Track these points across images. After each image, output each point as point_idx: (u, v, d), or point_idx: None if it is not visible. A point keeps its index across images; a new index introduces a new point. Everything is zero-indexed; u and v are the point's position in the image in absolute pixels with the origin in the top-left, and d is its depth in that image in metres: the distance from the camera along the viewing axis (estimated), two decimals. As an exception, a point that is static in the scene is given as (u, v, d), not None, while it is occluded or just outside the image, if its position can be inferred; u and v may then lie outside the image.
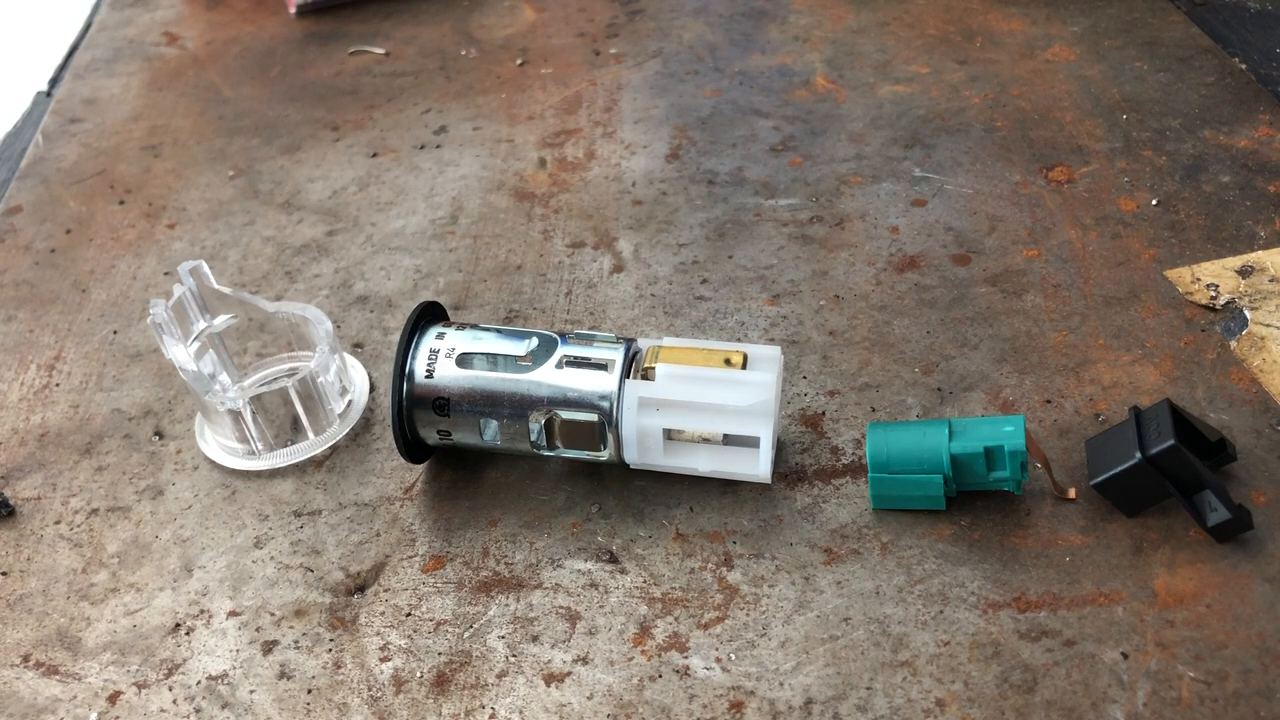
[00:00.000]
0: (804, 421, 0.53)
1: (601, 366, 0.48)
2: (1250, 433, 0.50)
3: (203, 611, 0.48)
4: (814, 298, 0.59)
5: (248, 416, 0.52)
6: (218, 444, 0.54)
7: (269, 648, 0.46)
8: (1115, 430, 0.48)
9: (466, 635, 0.46)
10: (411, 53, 0.85)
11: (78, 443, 0.56)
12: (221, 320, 0.57)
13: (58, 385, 0.59)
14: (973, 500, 0.48)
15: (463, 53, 0.85)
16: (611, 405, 0.48)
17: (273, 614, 0.47)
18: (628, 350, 0.49)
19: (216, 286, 0.56)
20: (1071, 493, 0.48)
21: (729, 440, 0.49)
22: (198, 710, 0.44)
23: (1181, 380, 0.52)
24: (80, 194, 0.74)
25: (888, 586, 0.46)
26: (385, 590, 0.48)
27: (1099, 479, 0.46)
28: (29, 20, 1.33)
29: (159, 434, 0.56)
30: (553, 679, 0.44)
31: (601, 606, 0.46)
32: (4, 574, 0.50)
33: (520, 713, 0.43)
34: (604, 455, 0.49)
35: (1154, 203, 0.63)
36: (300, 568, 0.49)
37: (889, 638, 0.44)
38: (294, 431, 0.54)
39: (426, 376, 0.49)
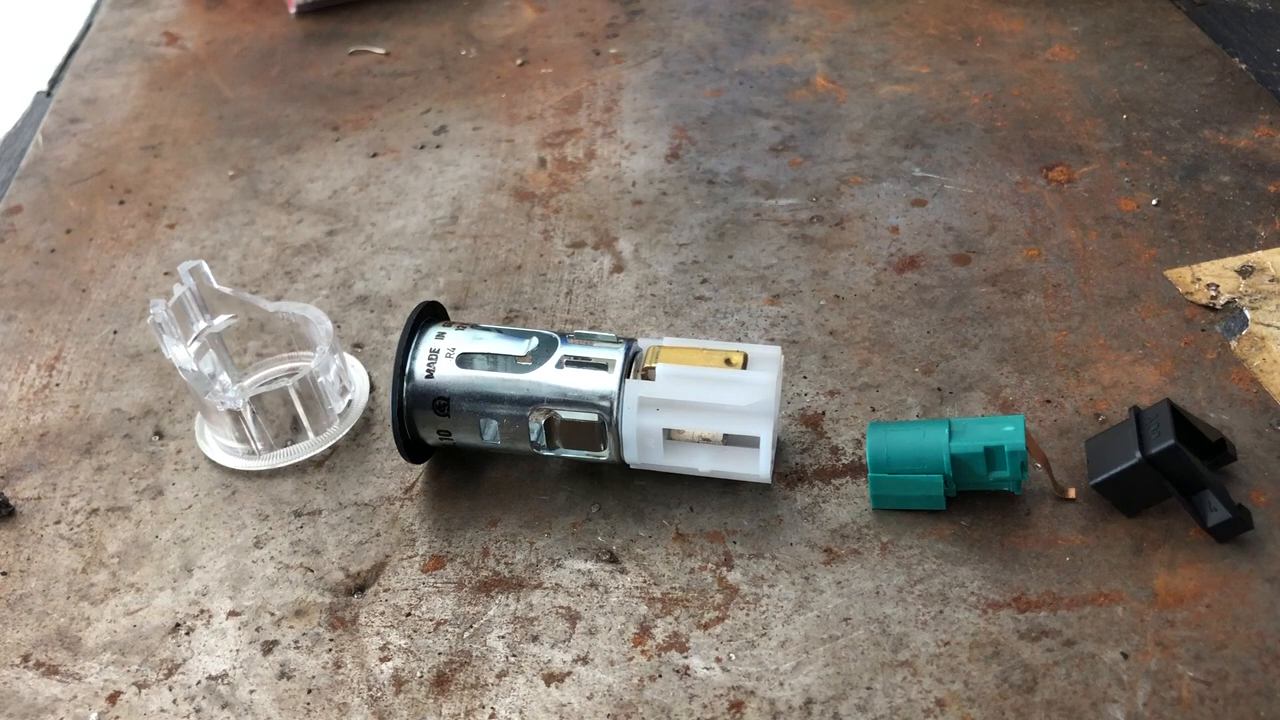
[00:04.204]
0: (804, 421, 0.53)
1: (601, 366, 0.48)
2: (1250, 433, 0.50)
3: (203, 611, 0.48)
4: (814, 298, 0.59)
5: (248, 416, 0.52)
6: (218, 444, 0.54)
7: (269, 648, 0.46)
8: (1115, 430, 0.48)
9: (466, 635, 0.46)
10: (411, 53, 0.85)
11: (78, 443, 0.56)
12: (221, 320, 0.57)
13: (58, 385, 0.59)
14: (973, 500, 0.48)
15: (463, 53, 0.85)
16: (611, 405, 0.48)
17: (273, 614, 0.47)
18: (628, 350, 0.49)
19: (216, 286, 0.56)
20: (1071, 493, 0.48)
21: (729, 440, 0.49)
22: (198, 710, 0.44)
23: (1181, 380, 0.52)
24: (80, 194, 0.74)
25: (888, 586, 0.46)
26: (385, 590, 0.48)
27: (1099, 479, 0.46)
28: (29, 20, 1.33)
29: (159, 434, 0.56)
30: (553, 679, 0.44)
31: (601, 606, 0.46)
32: (4, 574, 0.50)
33: (520, 713, 0.43)
34: (604, 455, 0.49)
35: (1154, 203, 0.63)
36: (300, 568, 0.49)
37: (889, 638, 0.44)
38: (294, 431, 0.54)
39: (426, 376, 0.49)
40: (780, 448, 0.52)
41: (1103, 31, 0.78)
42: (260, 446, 0.53)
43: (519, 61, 0.83)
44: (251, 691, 0.45)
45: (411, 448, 0.51)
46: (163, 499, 0.53)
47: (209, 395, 0.52)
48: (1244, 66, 0.73)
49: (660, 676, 0.44)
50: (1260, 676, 0.41)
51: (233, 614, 0.48)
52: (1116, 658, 0.42)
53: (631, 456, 0.49)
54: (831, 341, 0.57)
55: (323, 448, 0.54)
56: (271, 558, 0.50)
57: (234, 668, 0.46)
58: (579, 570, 0.48)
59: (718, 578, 0.47)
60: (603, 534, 0.49)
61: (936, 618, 0.44)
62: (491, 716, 0.43)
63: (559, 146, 0.73)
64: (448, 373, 0.49)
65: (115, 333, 0.63)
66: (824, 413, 0.53)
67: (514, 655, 0.45)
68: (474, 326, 0.51)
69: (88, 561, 0.50)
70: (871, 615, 0.45)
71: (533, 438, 0.49)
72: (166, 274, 0.66)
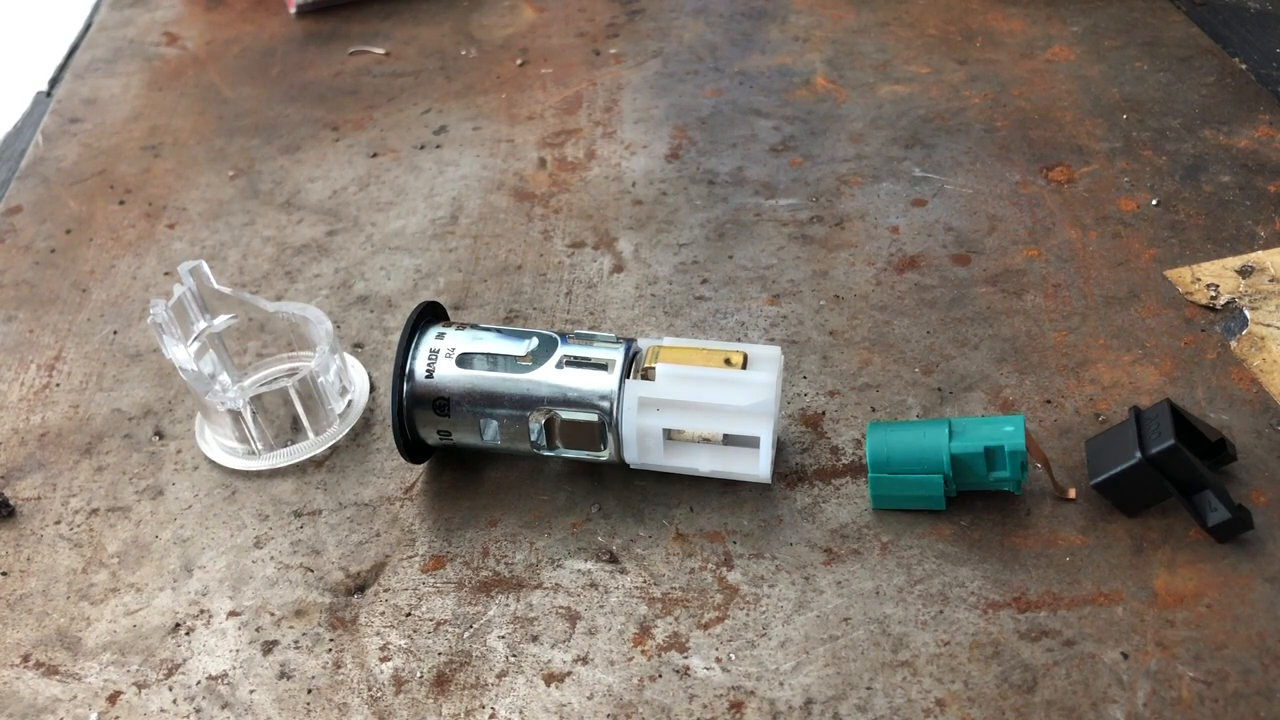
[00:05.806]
0: (804, 421, 0.53)
1: (601, 366, 0.48)
2: (1250, 433, 0.50)
3: (203, 611, 0.48)
4: (814, 298, 0.59)
5: (248, 416, 0.52)
6: (218, 444, 0.54)
7: (269, 648, 0.46)
8: (1115, 430, 0.48)
9: (466, 635, 0.46)
10: (411, 53, 0.85)
11: (78, 443, 0.56)
12: (221, 320, 0.57)
13: (58, 385, 0.59)
14: (973, 500, 0.48)
15: (463, 53, 0.85)
16: (611, 405, 0.48)
17: (273, 614, 0.47)
18: (628, 350, 0.49)
19: (216, 286, 0.56)
20: (1071, 493, 0.48)
21: (729, 440, 0.49)
22: (198, 710, 0.44)
23: (1181, 380, 0.52)
24: (80, 194, 0.74)
25: (888, 586, 0.46)
26: (385, 590, 0.48)
27: (1099, 479, 0.46)
28: (29, 20, 1.33)
29: (159, 434, 0.56)
30: (553, 679, 0.44)
31: (601, 606, 0.46)
32: (4, 574, 0.50)
33: (520, 713, 0.43)
34: (604, 455, 0.49)
35: (1154, 203, 0.63)
36: (300, 568, 0.49)
37: (889, 638, 0.44)
38: (294, 431, 0.54)
39: (426, 376, 0.49)
40: (780, 448, 0.52)
41: (1103, 31, 0.78)
42: (260, 446, 0.53)
43: (519, 61, 0.83)
44: (251, 691, 0.45)
45: (411, 448, 0.51)
46: (163, 499, 0.53)
47: (209, 395, 0.52)
48: (1244, 66, 0.73)
49: (660, 676, 0.44)
50: (1260, 676, 0.41)
51: (233, 614, 0.48)
52: (1116, 658, 0.42)
53: (631, 456, 0.49)
54: (831, 341, 0.57)
55: (323, 448, 0.54)
56: (271, 558, 0.50)
57: (234, 668, 0.46)
58: (579, 570, 0.48)
59: (718, 578, 0.47)
60: (603, 534, 0.49)
61: (936, 618, 0.44)
62: (491, 716, 0.43)
63: (559, 146, 0.73)
64: (448, 373, 0.49)
65: (115, 333, 0.63)
66: (824, 413, 0.53)
67: (514, 655, 0.45)
68: (474, 326, 0.51)
69: (88, 561, 0.50)
70: (871, 615, 0.45)
71: (533, 438, 0.49)
72: (166, 274, 0.66)
